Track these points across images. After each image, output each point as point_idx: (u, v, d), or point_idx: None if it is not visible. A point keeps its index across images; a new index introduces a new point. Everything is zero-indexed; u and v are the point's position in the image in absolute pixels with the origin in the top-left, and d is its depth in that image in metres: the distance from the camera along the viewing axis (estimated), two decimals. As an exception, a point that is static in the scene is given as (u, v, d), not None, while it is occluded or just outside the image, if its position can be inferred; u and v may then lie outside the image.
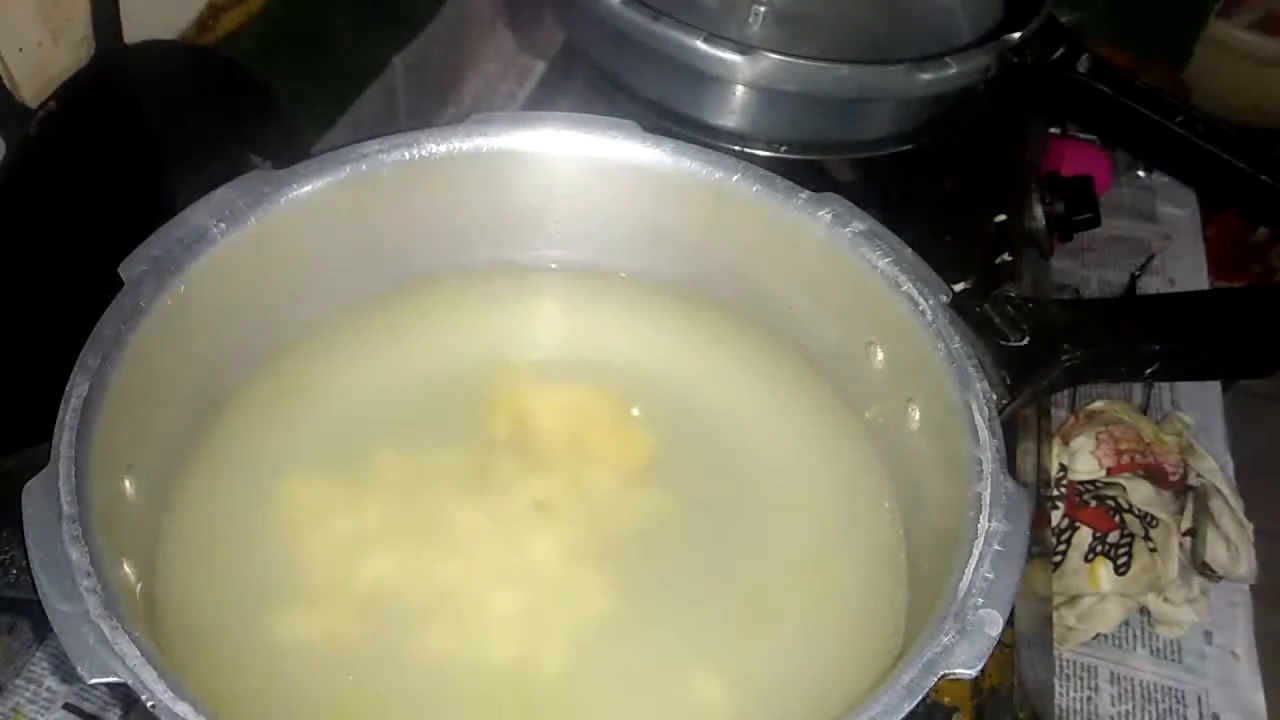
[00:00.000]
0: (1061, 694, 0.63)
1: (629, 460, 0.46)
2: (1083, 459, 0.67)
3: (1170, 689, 0.65)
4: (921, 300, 0.42)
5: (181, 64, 0.58)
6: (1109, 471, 0.66)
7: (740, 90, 0.56)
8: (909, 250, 0.44)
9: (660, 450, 0.47)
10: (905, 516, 0.45)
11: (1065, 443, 0.68)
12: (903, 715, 0.32)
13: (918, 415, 0.43)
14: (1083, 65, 0.68)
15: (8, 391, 0.50)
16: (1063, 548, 0.64)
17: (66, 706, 0.56)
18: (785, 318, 0.49)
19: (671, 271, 0.50)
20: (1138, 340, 0.52)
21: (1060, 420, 0.72)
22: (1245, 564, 0.67)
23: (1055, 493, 0.65)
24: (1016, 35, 0.60)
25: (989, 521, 0.36)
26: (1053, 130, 0.87)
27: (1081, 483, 0.66)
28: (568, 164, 0.47)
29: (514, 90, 0.94)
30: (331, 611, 0.41)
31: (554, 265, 0.51)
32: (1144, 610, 0.67)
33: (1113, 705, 0.64)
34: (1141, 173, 0.98)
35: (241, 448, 0.45)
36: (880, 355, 0.45)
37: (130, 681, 0.31)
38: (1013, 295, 0.52)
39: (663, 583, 0.43)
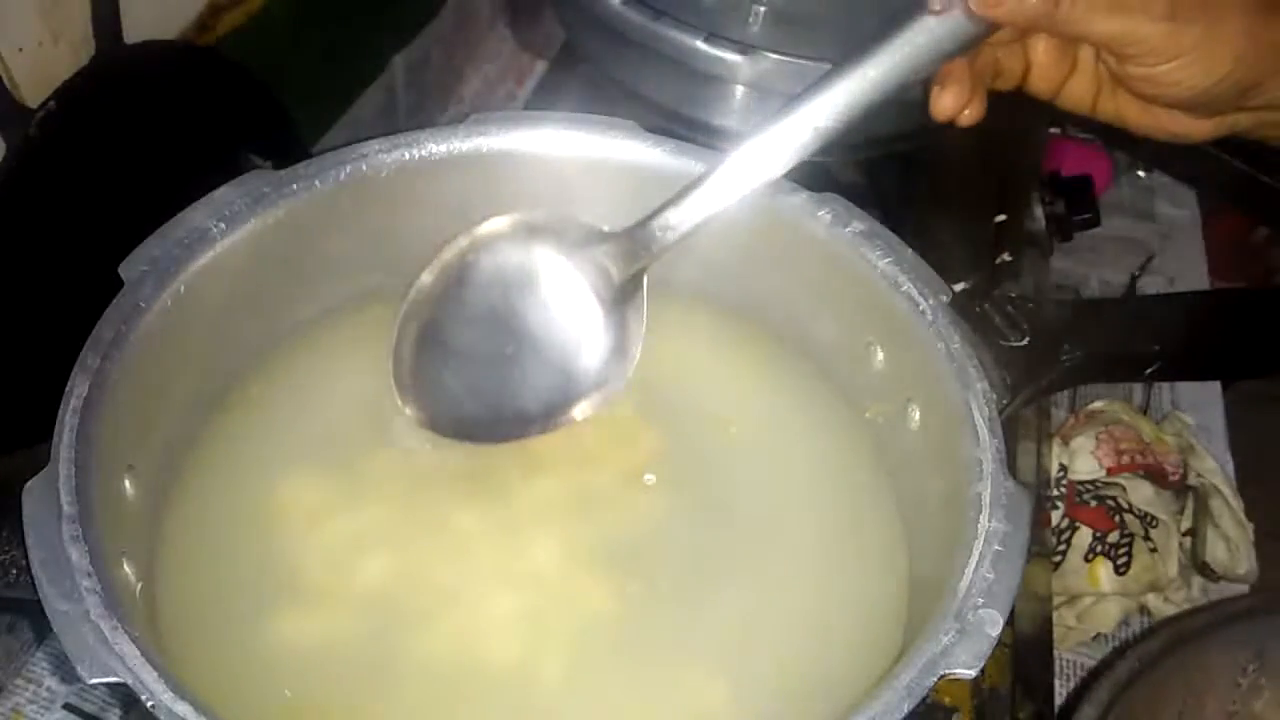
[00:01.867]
0: (1061, 694, 0.63)
1: (628, 462, 0.46)
2: (1083, 459, 0.67)
3: (1170, 689, 0.65)
4: (921, 300, 0.42)
5: (181, 64, 0.58)
6: (1109, 471, 0.66)
7: (740, 90, 0.56)
8: (909, 250, 0.44)
9: (660, 451, 0.47)
10: (905, 516, 0.45)
11: (1065, 443, 0.68)
12: (902, 715, 0.32)
13: (918, 415, 0.43)
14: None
15: (8, 391, 0.50)
16: (1063, 548, 0.64)
17: (66, 706, 0.56)
18: (785, 318, 0.49)
19: (671, 272, 0.50)
20: (1138, 340, 0.52)
21: (1060, 420, 0.72)
22: (1245, 564, 0.67)
23: (1055, 493, 0.66)
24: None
25: (989, 521, 0.36)
26: (1053, 130, 0.87)
27: (1081, 483, 0.66)
28: (568, 164, 0.47)
29: (514, 90, 0.94)
30: (331, 612, 0.41)
31: (554, 265, 0.51)
32: (1144, 610, 0.67)
33: (1113, 705, 0.64)
34: (1141, 173, 0.98)
35: (241, 448, 0.45)
36: (880, 355, 0.45)
37: (130, 681, 0.31)
38: (1013, 295, 0.52)
39: (663, 585, 0.43)
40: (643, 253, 0.43)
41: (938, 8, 0.39)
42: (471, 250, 0.45)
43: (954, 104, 0.42)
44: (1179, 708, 0.51)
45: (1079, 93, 0.44)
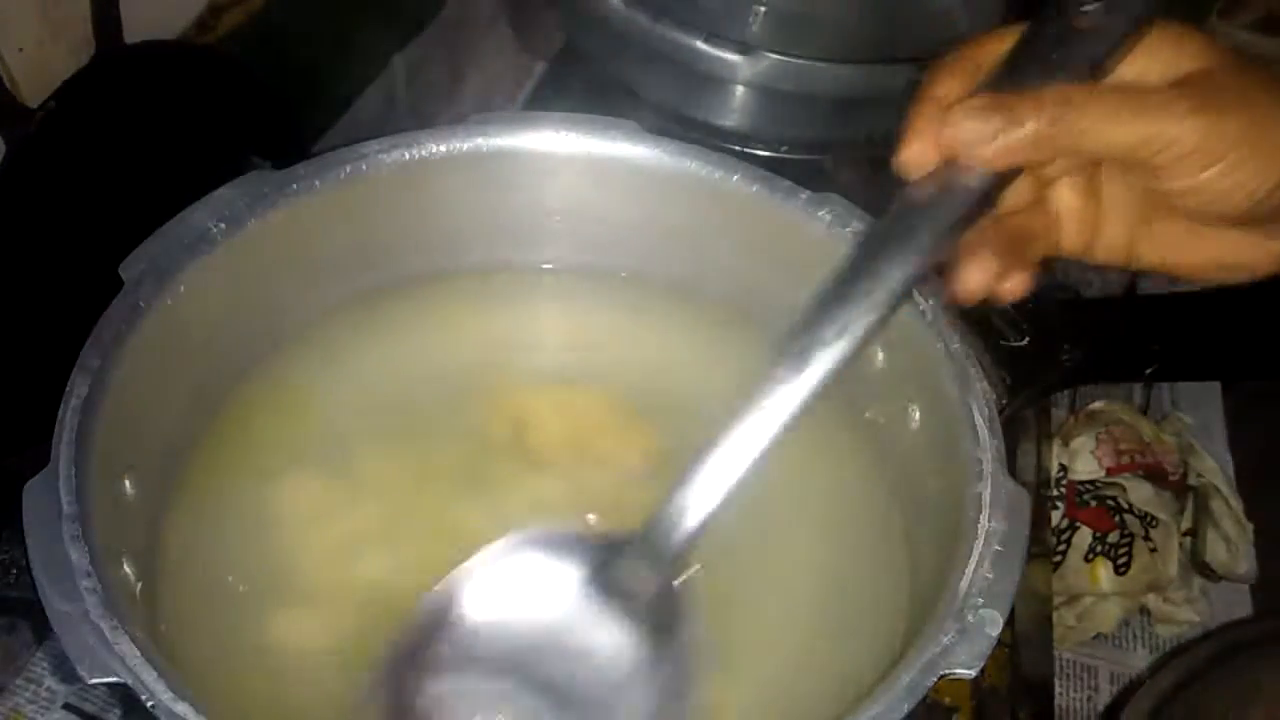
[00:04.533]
0: (1061, 694, 0.63)
1: (628, 461, 0.46)
2: (1083, 459, 0.67)
3: (1170, 689, 0.65)
4: (921, 300, 0.42)
5: (181, 64, 0.58)
6: (1109, 471, 0.66)
7: (740, 90, 0.56)
8: (909, 250, 0.44)
9: (659, 451, 0.47)
10: (905, 516, 0.45)
11: (1065, 443, 0.68)
12: (902, 715, 0.32)
13: (918, 415, 0.43)
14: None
15: (8, 391, 0.50)
16: (1063, 548, 0.64)
17: (66, 706, 0.56)
18: (785, 318, 0.49)
19: (671, 271, 0.50)
20: (1138, 340, 0.52)
21: (1060, 420, 0.72)
22: (1245, 564, 0.67)
23: (1055, 493, 0.65)
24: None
25: (989, 521, 0.36)
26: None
27: (1081, 483, 0.66)
28: (568, 164, 0.47)
29: (514, 90, 0.94)
30: (331, 612, 0.41)
31: (554, 265, 0.51)
32: (1144, 610, 0.67)
33: (1113, 705, 0.64)
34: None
35: (241, 448, 0.45)
36: (880, 355, 0.45)
37: (130, 681, 0.31)
38: (1013, 295, 0.51)
39: (663, 583, 0.43)
40: (667, 553, 0.36)
41: (915, 174, 0.32)
42: (452, 603, 0.37)
43: (981, 278, 0.34)
44: (1223, 720, 0.51)
45: (1112, 239, 0.38)
